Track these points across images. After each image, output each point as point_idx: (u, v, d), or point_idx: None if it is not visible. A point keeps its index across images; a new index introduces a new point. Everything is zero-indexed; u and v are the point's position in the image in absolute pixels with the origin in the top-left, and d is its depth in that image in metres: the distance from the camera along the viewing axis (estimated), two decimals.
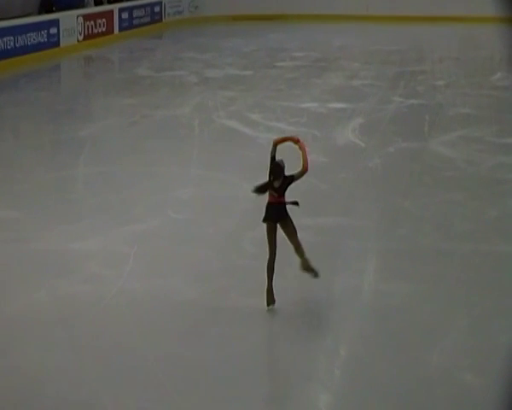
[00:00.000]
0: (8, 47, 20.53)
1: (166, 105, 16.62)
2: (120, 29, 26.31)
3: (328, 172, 11.86)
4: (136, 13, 27.47)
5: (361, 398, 6.23)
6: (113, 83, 20.55)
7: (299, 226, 9.52)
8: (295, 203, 7.44)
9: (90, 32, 24.40)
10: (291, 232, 7.40)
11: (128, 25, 26.83)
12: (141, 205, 10.41)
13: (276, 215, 7.36)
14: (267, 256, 7.41)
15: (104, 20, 25.24)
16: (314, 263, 8.21)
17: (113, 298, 7.76)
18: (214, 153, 12.99)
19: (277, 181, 7.35)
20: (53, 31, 22.43)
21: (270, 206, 7.41)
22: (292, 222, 7.42)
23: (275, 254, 7.38)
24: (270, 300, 7.37)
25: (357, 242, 9.18)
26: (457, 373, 6.52)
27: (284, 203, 7.39)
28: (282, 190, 7.38)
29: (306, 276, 7.65)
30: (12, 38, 20.64)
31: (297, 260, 7.51)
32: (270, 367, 6.67)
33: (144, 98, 17.48)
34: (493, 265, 8.61)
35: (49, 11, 23.86)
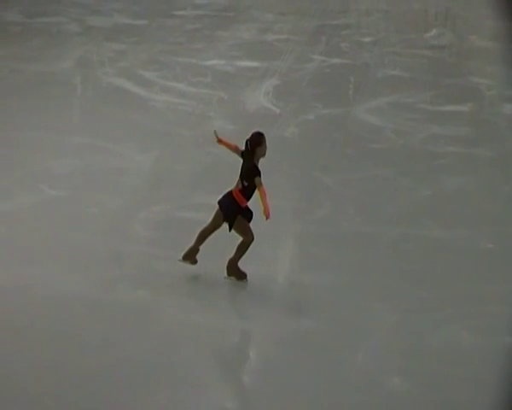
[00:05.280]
0: None
1: (41, 58, 16.22)
2: None
3: (235, 141, 11.82)
4: None
5: (272, 408, 6.30)
6: None
7: (200, 206, 9.59)
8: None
9: None
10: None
11: None
12: (7, 178, 10.18)
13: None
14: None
15: None
16: (218, 250, 8.26)
17: None
18: (99, 117, 12.79)
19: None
20: None
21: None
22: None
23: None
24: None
25: (269, 224, 9.18)
26: (384, 377, 6.68)
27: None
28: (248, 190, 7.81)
29: (211, 266, 7.71)
30: None
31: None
32: (165, 373, 6.64)
33: (12, 49, 16.99)
34: (425, 252, 8.84)
35: None
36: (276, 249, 8.70)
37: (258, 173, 7.72)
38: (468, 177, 10.75)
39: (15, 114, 12.76)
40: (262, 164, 9.82)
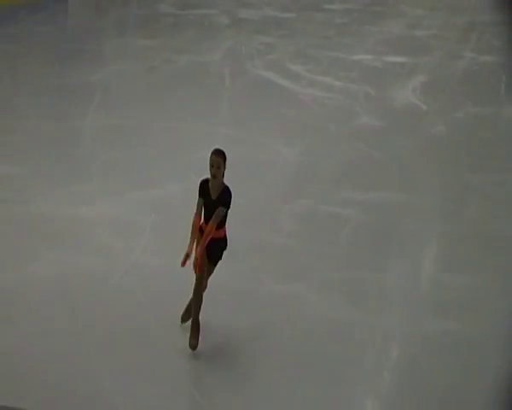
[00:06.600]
0: None
1: (192, 49, 16.57)
2: None
3: (382, 138, 11.79)
4: None
5: (416, 407, 6.20)
6: (129, 20, 20.52)
7: (344, 201, 9.54)
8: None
9: None
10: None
11: None
12: (159, 166, 10.42)
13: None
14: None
15: None
16: (362, 246, 8.17)
17: (124, 275, 7.78)
18: (247, 109, 12.94)
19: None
20: None
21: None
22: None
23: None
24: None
25: (416, 223, 9.11)
26: None
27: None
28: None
29: (356, 262, 7.62)
30: None
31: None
32: (312, 370, 6.62)
33: (166, 40, 17.45)
34: None
35: None
36: (421, 248, 8.58)
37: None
38: None
39: (167, 103, 13.07)
40: (405, 160, 9.72)
